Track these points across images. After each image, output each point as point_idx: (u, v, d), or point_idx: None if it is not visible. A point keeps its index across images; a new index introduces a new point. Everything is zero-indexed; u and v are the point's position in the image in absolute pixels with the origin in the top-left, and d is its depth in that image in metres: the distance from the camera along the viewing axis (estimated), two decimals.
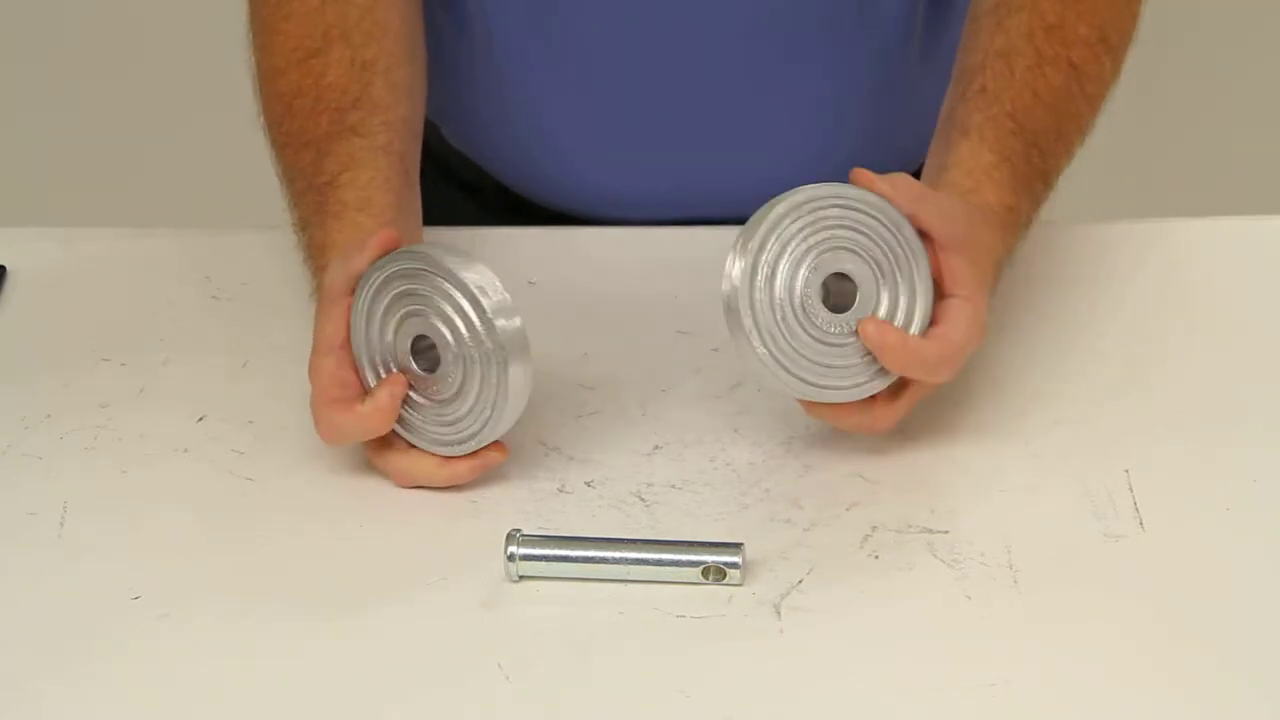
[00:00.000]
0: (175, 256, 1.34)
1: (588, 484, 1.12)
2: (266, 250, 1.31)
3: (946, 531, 1.07)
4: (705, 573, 1.04)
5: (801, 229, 1.08)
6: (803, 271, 1.08)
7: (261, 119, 1.24)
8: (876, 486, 1.11)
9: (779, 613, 1.02)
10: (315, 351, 1.11)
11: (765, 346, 1.07)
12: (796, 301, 1.08)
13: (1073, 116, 1.20)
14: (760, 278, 1.07)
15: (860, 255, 1.09)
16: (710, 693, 0.98)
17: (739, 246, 1.08)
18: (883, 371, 1.09)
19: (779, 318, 1.08)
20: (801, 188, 1.09)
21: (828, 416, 1.11)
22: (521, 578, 1.05)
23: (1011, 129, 1.18)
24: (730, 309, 1.08)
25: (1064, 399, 1.17)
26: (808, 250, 1.08)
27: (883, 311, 1.09)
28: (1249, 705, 0.97)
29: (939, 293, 1.10)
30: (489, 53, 1.35)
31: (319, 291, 1.14)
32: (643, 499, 1.11)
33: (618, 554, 1.04)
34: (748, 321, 1.07)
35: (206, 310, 1.29)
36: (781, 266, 1.08)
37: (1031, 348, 1.21)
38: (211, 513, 1.11)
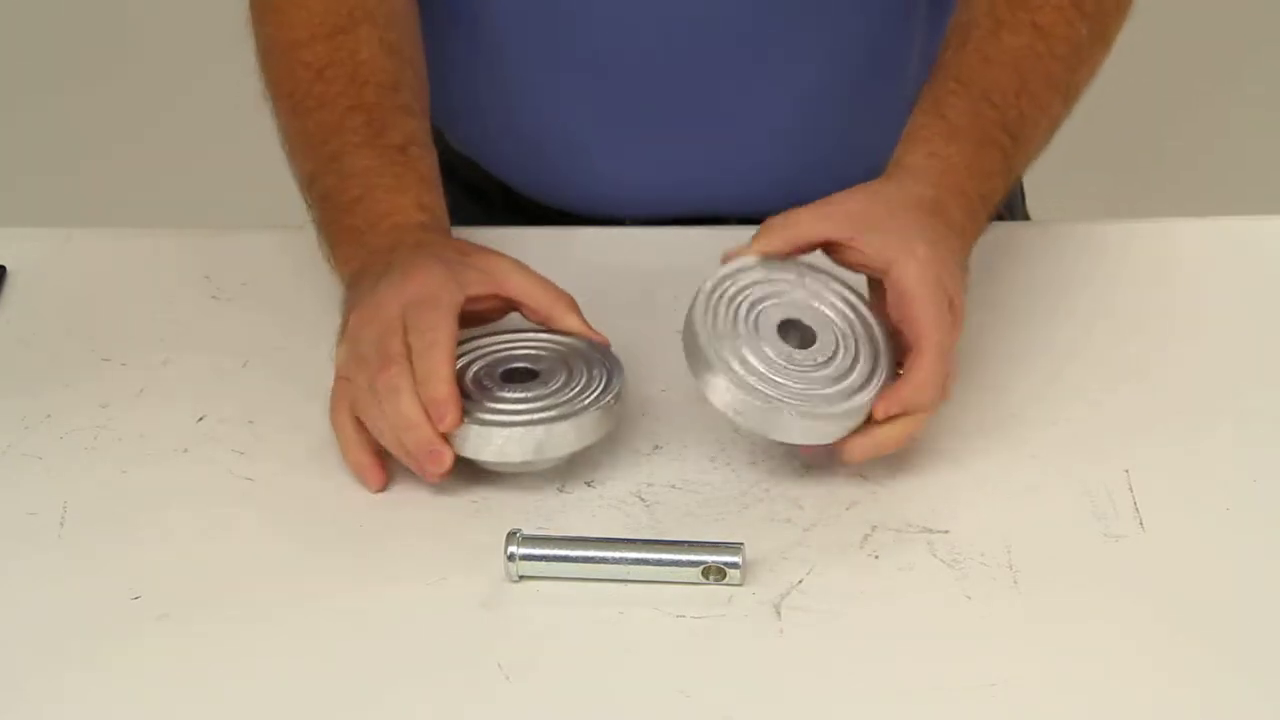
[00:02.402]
0: (175, 256, 1.34)
1: (588, 484, 1.12)
2: (266, 250, 1.31)
3: (946, 531, 1.07)
4: (705, 573, 1.04)
5: (729, 314, 1.09)
6: (770, 336, 1.09)
7: (272, 89, 1.25)
8: (876, 486, 1.11)
9: (779, 613, 1.02)
10: (445, 380, 1.08)
11: (803, 416, 1.07)
12: (785, 359, 1.08)
13: (1041, 75, 1.19)
14: (745, 376, 1.07)
15: (783, 304, 1.10)
16: (710, 693, 0.98)
17: (703, 378, 1.08)
18: (885, 363, 1.10)
19: (795, 384, 1.08)
20: (693, 297, 1.10)
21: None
22: (521, 578, 1.05)
23: (953, 89, 1.18)
24: (753, 417, 1.07)
25: (1064, 399, 1.17)
26: (754, 321, 1.09)
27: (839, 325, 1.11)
28: (1249, 705, 0.97)
29: (879, 277, 1.11)
30: (489, 50, 1.35)
31: (430, 253, 1.14)
32: (643, 499, 1.11)
33: (618, 554, 1.04)
34: (784, 411, 1.07)
35: (206, 310, 1.29)
36: (747, 354, 1.08)
37: (1030, 347, 1.21)
38: (211, 513, 1.11)
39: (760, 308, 1.10)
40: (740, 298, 1.10)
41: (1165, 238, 1.34)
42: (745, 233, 1.33)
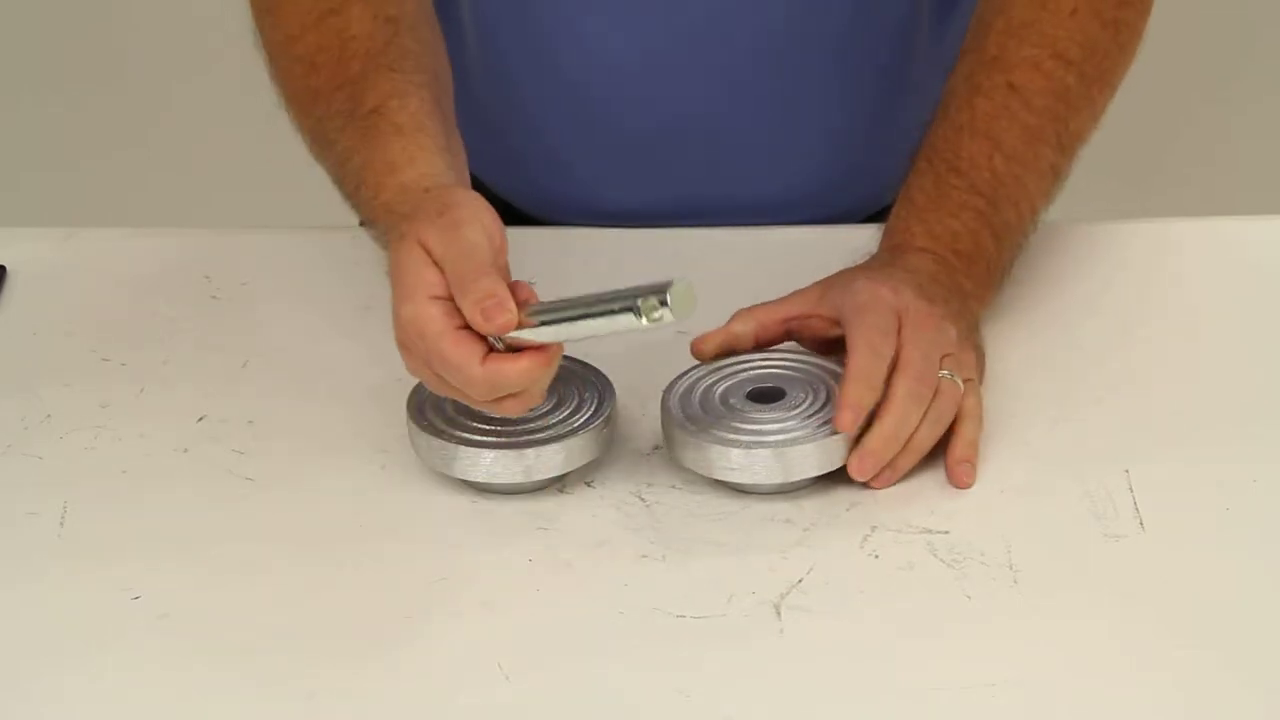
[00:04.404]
0: (175, 256, 1.34)
1: (588, 484, 1.12)
2: (266, 250, 1.31)
3: (946, 531, 1.07)
4: (636, 312, 1.00)
5: (699, 409, 1.11)
6: (742, 406, 1.11)
7: (281, 92, 1.20)
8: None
9: (779, 613, 1.02)
10: (421, 300, 1.03)
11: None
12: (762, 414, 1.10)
13: (1017, 132, 1.20)
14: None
15: (745, 380, 1.13)
16: (710, 693, 0.98)
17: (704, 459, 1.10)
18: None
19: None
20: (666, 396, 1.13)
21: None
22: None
23: (922, 169, 1.21)
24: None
25: (1064, 399, 1.17)
26: (725, 403, 1.12)
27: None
28: (1249, 705, 0.97)
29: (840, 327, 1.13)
30: (489, 70, 1.35)
31: (412, 219, 1.06)
32: (643, 499, 1.11)
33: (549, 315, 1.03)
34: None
35: (206, 310, 1.29)
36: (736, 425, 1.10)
37: (1031, 348, 1.21)
38: (211, 513, 1.11)
39: (721, 389, 1.13)
40: (702, 389, 1.13)
41: (1164, 238, 1.34)
42: (742, 233, 1.33)
